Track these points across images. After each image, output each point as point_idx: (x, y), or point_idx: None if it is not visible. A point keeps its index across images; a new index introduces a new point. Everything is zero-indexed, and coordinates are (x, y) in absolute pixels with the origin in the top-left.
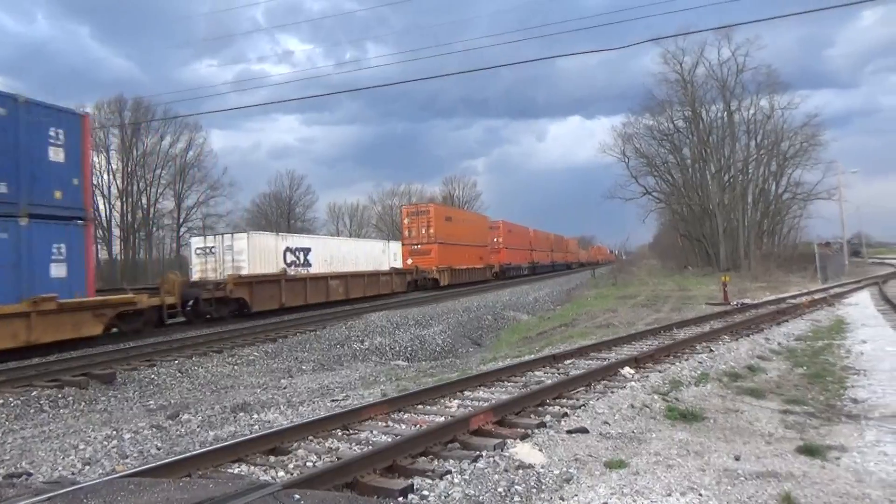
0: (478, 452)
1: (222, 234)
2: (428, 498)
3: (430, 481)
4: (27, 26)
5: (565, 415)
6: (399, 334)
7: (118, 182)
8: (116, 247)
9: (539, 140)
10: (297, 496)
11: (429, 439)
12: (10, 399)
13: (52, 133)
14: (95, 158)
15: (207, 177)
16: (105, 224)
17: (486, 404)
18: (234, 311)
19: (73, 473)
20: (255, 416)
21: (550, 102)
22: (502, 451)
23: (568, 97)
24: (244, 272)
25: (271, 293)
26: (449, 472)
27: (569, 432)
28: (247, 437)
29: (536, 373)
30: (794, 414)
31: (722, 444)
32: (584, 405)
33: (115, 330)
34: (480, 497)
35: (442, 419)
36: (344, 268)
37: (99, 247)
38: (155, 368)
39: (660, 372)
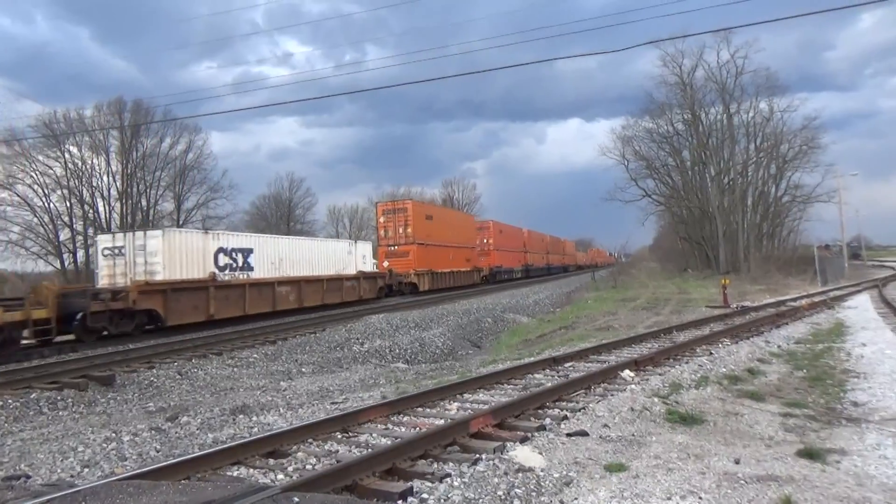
0: (477, 455)
1: (133, 232)
2: (427, 501)
3: (429, 484)
4: (26, 28)
5: (565, 418)
6: (399, 337)
7: (118, 184)
8: None
9: (538, 142)
10: (296, 499)
11: (428, 442)
12: (10, 401)
13: None
14: (95, 160)
15: (207, 179)
16: (105, 226)
17: (485, 407)
18: (142, 325)
19: (71, 476)
20: (255, 418)
21: (550, 105)
22: (502, 454)
23: (567, 100)
24: (159, 277)
25: (195, 303)
26: (448, 475)
27: (568, 435)
28: (246, 440)
29: (536, 375)
30: (794, 417)
31: (722, 447)
32: (584, 408)
33: None
34: (480, 500)
35: (441, 422)
36: (297, 272)
37: None
38: (154, 370)
39: (660, 375)
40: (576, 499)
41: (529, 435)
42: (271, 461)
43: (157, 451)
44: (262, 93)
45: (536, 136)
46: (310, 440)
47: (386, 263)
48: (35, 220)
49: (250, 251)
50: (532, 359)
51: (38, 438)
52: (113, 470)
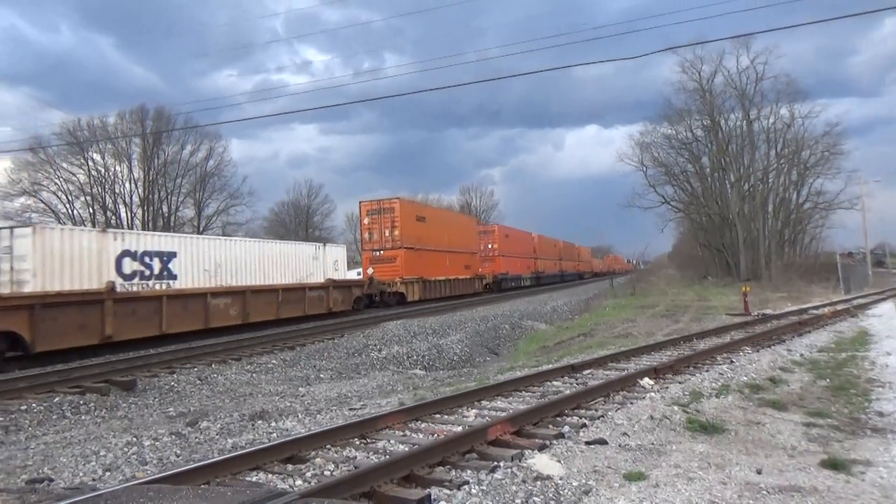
0: (495, 463)
1: None
2: None
3: (447, 491)
4: (51, 37)
5: (584, 426)
6: (416, 343)
7: (140, 190)
8: None
9: (556, 149)
10: None
11: (446, 449)
12: (34, 405)
13: None
14: (118, 167)
15: (227, 185)
16: None
17: (503, 414)
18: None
19: (93, 480)
20: (273, 423)
21: (567, 111)
22: (520, 461)
23: (585, 106)
24: (27, 288)
25: (82, 321)
26: (466, 482)
27: (587, 443)
28: (265, 445)
29: (555, 383)
30: (817, 427)
31: (743, 456)
32: (602, 416)
33: None
34: None
35: (459, 429)
36: (242, 280)
37: None
38: (175, 375)
39: (680, 383)
40: None
41: (548, 443)
42: (290, 467)
43: (178, 456)
44: (281, 100)
45: (554, 142)
46: (328, 446)
47: (371, 270)
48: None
49: (172, 255)
50: (550, 366)
51: (61, 442)
52: (134, 474)
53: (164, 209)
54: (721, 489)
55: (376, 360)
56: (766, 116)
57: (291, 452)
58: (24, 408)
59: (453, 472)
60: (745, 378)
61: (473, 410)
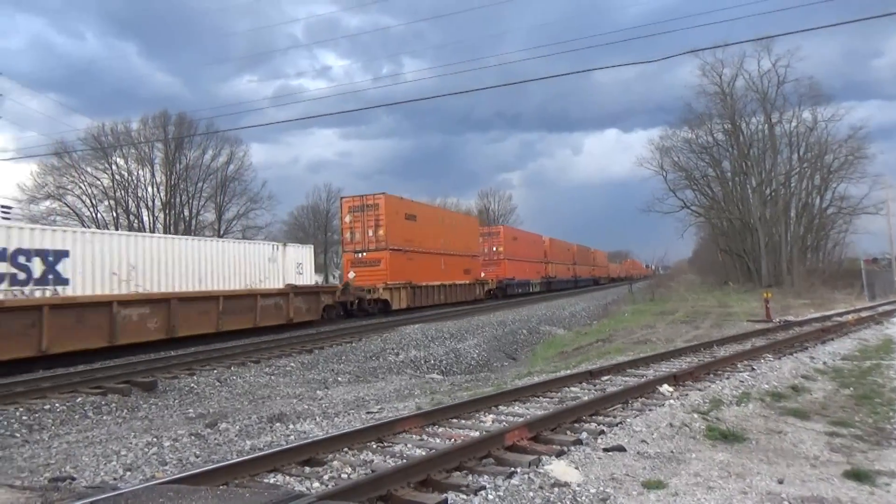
0: (512, 469)
1: None
2: None
3: (464, 497)
4: (77, 45)
5: (602, 432)
6: (434, 347)
7: (162, 195)
8: None
9: (575, 153)
10: None
11: (463, 454)
12: (57, 405)
13: None
14: (140, 172)
15: (247, 189)
16: None
17: (521, 420)
18: None
19: (114, 479)
20: (292, 426)
21: (586, 115)
22: (537, 467)
23: (604, 110)
24: None
25: None
26: (483, 487)
27: (605, 450)
28: (283, 448)
29: (573, 388)
30: (840, 437)
31: (765, 466)
32: (621, 423)
33: None
34: None
35: (476, 434)
36: (167, 286)
37: None
38: (194, 377)
39: (699, 390)
40: None
41: (565, 449)
42: (307, 469)
43: (197, 457)
44: (300, 105)
45: (573, 146)
46: (345, 449)
47: (352, 275)
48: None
49: (62, 255)
50: (568, 371)
51: (83, 441)
52: (154, 474)
53: (186, 213)
54: (742, 499)
55: (394, 364)
56: (788, 120)
57: (309, 455)
58: (47, 407)
59: (470, 478)
60: (767, 386)
61: (491, 415)
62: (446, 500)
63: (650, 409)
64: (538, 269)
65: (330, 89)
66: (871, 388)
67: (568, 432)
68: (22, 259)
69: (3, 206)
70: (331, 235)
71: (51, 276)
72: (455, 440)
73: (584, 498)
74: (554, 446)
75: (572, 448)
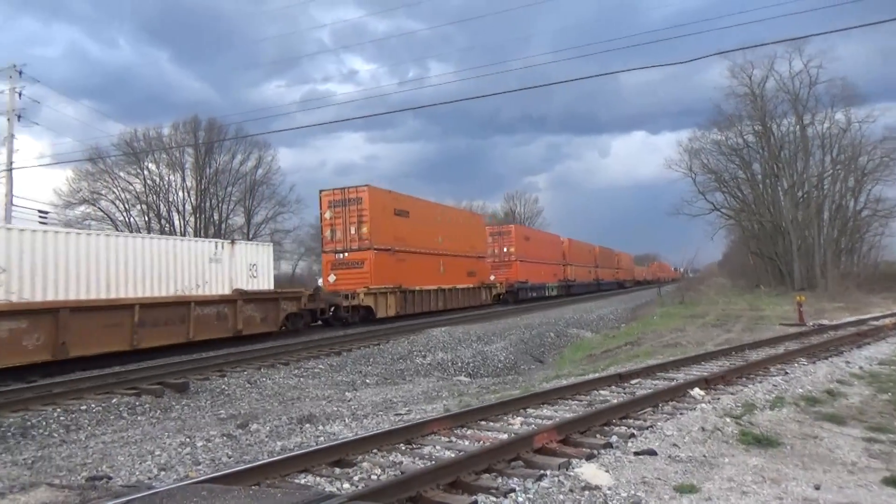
0: (542, 471)
1: None
2: None
3: (493, 499)
4: (111, 52)
5: (632, 436)
6: (461, 350)
7: (192, 199)
8: None
9: (602, 156)
10: None
11: (492, 456)
12: (93, 405)
13: None
14: (172, 176)
15: (275, 193)
16: None
17: (549, 422)
18: None
19: (149, 478)
20: (321, 427)
21: (613, 118)
22: (567, 470)
23: (631, 112)
24: None
25: None
26: (513, 490)
27: (636, 454)
28: (313, 449)
29: (602, 392)
30: (879, 443)
31: (800, 471)
32: (651, 426)
33: None
34: None
35: (505, 436)
36: (59, 292)
37: None
38: (225, 379)
39: (732, 394)
40: None
41: (595, 452)
42: (337, 470)
43: (229, 457)
44: (328, 110)
45: (600, 149)
46: (374, 450)
47: (332, 278)
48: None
49: None
50: (597, 375)
51: (119, 441)
52: (188, 474)
53: (216, 217)
54: None
55: (421, 367)
56: (820, 121)
57: (339, 456)
58: (84, 408)
59: (499, 480)
60: (801, 390)
61: (519, 418)
62: (476, 501)
63: (681, 413)
64: (555, 272)
65: (357, 93)
66: None
67: (598, 435)
68: None
69: (40, 211)
70: None
71: None
72: (484, 442)
73: (615, 501)
74: (584, 449)
75: (602, 451)
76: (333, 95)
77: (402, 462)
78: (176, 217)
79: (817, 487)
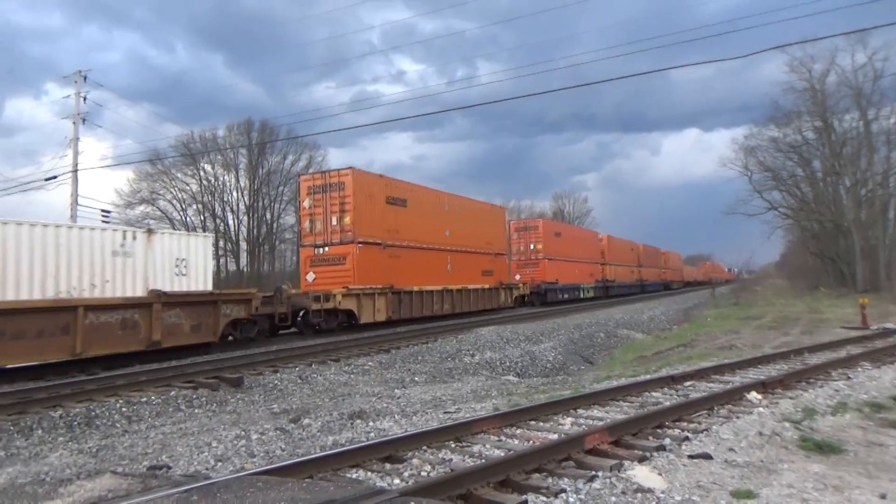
0: (593, 472)
1: None
2: None
3: (544, 499)
4: (169, 57)
5: (686, 439)
6: (509, 350)
7: (245, 199)
8: (243, 259)
9: (653, 154)
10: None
11: (543, 456)
12: (153, 398)
13: None
14: (226, 177)
15: None
16: (234, 237)
17: (601, 423)
18: None
19: (206, 469)
20: (371, 423)
21: (665, 115)
22: (619, 472)
23: (684, 109)
24: None
25: None
26: (563, 490)
27: (690, 457)
28: (364, 444)
29: (654, 394)
30: None
31: (864, 479)
32: (706, 430)
33: None
34: None
35: (555, 436)
36: None
37: (228, 258)
38: (278, 374)
39: (791, 398)
40: None
41: (648, 455)
42: (387, 466)
43: (282, 450)
44: (376, 110)
45: (651, 147)
46: (424, 447)
47: (311, 276)
48: None
49: None
50: (648, 376)
51: (177, 433)
52: (243, 465)
53: (268, 216)
54: None
55: (469, 365)
56: (885, 116)
57: (389, 452)
58: (144, 400)
59: (550, 480)
60: (865, 396)
61: (569, 418)
62: (526, 501)
63: (737, 417)
64: (592, 271)
65: (405, 94)
66: None
67: (650, 438)
68: None
69: (103, 211)
70: None
71: None
72: (534, 442)
73: None
74: (636, 451)
75: (655, 454)
76: (382, 96)
77: (451, 460)
78: (230, 216)
79: (883, 496)
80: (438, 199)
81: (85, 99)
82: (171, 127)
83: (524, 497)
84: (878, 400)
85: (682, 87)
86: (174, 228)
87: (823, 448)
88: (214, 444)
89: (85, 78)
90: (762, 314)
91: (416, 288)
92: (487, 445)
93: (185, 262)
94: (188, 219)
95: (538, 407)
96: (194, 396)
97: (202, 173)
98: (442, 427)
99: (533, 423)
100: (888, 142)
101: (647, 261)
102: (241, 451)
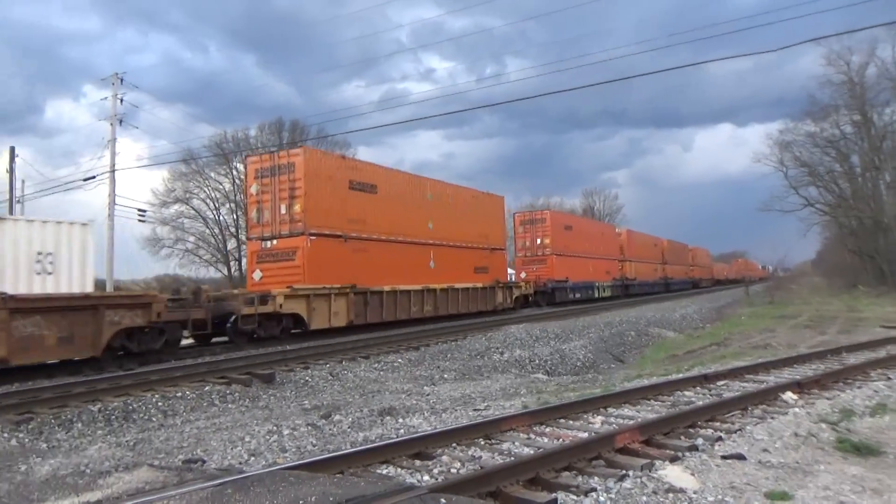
0: (624, 472)
1: None
2: None
3: (574, 497)
4: (202, 59)
5: (719, 439)
6: (539, 347)
7: None
8: None
9: (685, 150)
10: (442, 500)
11: (572, 454)
12: (188, 393)
13: None
14: None
15: None
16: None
17: (631, 422)
18: None
19: (240, 463)
20: (401, 420)
21: (697, 110)
22: (650, 472)
23: (717, 104)
24: None
25: None
26: (594, 489)
27: (723, 457)
28: (394, 441)
29: (686, 393)
30: None
31: None
32: (739, 430)
33: None
34: None
35: (585, 435)
36: None
37: None
38: (309, 371)
39: (827, 399)
40: None
41: (680, 454)
42: (417, 462)
43: (314, 446)
44: (405, 108)
45: (683, 143)
46: (453, 444)
47: (258, 275)
48: (207, 230)
49: None
50: (680, 375)
51: (211, 427)
52: (275, 460)
53: None
54: None
55: (498, 363)
56: None
57: (419, 449)
58: (179, 395)
59: (580, 478)
60: None
61: (599, 417)
62: (556, 499)
63: (772, 417)
64: (609, 269)
65: (434, 91)
66: None
67: (682, 437)
68: None
69: (139, 210)
70: None
71: None
72: (563, 440)
73: None
74: (667, 451)
75: (687, 454)
76: (411, 94)
77: (480, 457)
78: None
79: None
80: (419, 185)
81: (122, 101)
82: (205, 127)
83: (554, 495)
84: None
85: (715, 81)
86: (207, 227)
87: (861, 450)
88: (247, 439)
89: (121, 80)
90: (798, 313)
91: (387, 287)
92: (517, 443)
93: (52, 258)
94: (221, 217)
95: (568, 405)
96: (228, 392)
97: (235, 172)
98: (471, 424)
99: (563, 421)
100: None
101: (672, 257)
102: (273, 446)
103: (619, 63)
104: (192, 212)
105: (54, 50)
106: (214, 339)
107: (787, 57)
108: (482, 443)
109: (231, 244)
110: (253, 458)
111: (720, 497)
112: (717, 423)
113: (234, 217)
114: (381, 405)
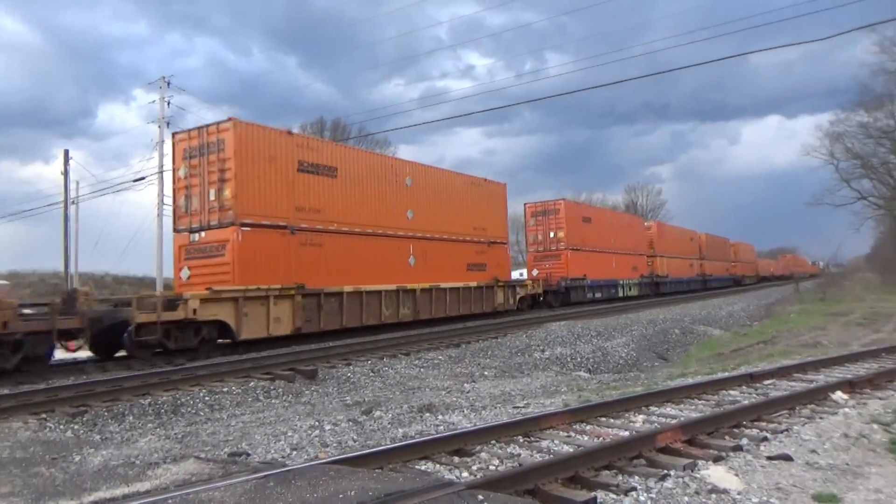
0: (665, 471)
1: None
2: None
3: (613, 496)
4: (246, 61)
5: (765, 439)
6: (580, 345)
7: None
8: None
9: (731, 143)
10: (480, 497)
11: (613, 453)
12: (234, 388)
13: None
14: None
15: None
16: None
17: (674, 421)
18: None
19: (283, 456)
20: (440, 417)
21: (744, 102)
22: (693, 472)
23: (764, 96)
24: None
25: None
26: (634, 488)
27: (769, 458)
28: (433, 437)
29: (731, 392)
30: None
31: None
32: (786, 430)
33: None
34: None
35: (626, 433)
36: None
37: None
38: (350, 367)
39: (880, 399)
40: None
41: (724, 455)
42: (456, 459)
43: (354, 441)
44: (445, 106)
45: (729, 136)
46: (492, 442)
47: (185, 273)
48: None
49: None
50: (725, 374)
51: (256, 422)
52: (317, 454)
53: None
54: None
55: (539, 361)
56: None
57: (458, 445)
58: (225, 390)
59: (620, 477)
60: None
61: (641, 416)
62: (595, 497)
63: (821, 417)
64: (636, 265)
65: (473, 88)
66: None
67: (726, 437)
68: None
69: None
70: None
71: None
72: (604, 439)
73: None
74: (711, 451)
75: (731, 454)
76: (450, 92)
77: (519, 454)
78: None
79: None
80: (394, 169)
81: (169, 103)
82: None
83: (593, 494)
84: None
85: (763, 72)
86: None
87: None
88: (290, 434)
89: (168, 83)
90: (850, 310)
91: (348, 288)
92: (556, 441)
93: None
94: None
95: (609, 403)
96: (272, 387)
97: None
98: (510, 422)
99: (603, 419)
100: None
101: (710, 252)
102: (314, 441)
103: (661, 55)
104: None
105: (105, 55)
106: (119, 355)
107: (837, 45)
108: (521, 440)
109: None
110: (295, 453)
111: (765, 499)
112: (763, 423)
113: None
114: (420, 402)
